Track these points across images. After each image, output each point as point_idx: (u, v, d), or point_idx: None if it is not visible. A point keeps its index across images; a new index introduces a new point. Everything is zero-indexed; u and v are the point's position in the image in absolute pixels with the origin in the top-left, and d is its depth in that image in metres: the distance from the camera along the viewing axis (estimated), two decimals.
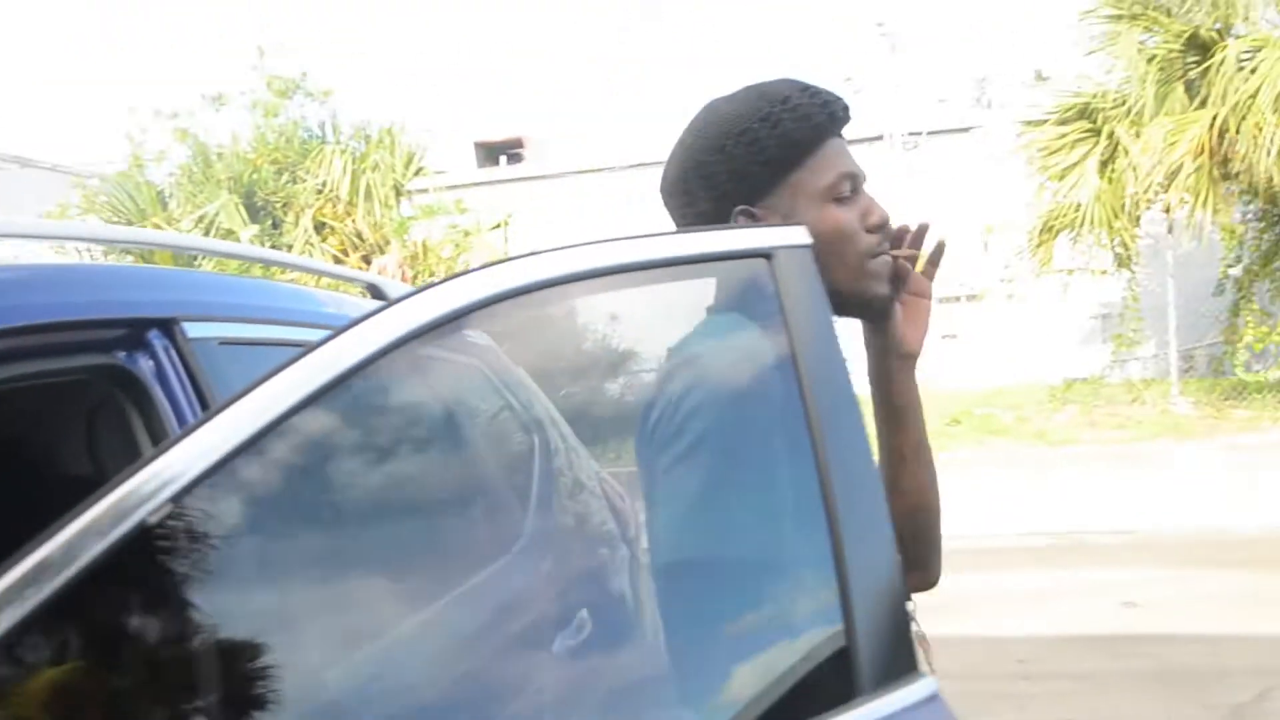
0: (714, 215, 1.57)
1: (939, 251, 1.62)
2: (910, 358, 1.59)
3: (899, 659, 1.26)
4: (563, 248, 1.22)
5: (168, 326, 1.47)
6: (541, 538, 2.35)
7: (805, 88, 1.56)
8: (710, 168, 1.56)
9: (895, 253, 1.56)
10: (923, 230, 1.58)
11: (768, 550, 1.37)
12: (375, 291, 2.55)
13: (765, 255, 1.32)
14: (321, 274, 2.44)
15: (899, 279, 1.57)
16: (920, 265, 1.60)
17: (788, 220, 1.51)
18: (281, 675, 1.37)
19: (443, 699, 1.59)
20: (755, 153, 1.54)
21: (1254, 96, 10.16)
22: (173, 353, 1.43)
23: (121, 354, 1.40)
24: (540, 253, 1.20)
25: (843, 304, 1.53)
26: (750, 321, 1.38)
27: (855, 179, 1.54)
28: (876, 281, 1.54)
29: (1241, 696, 5.53)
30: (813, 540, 1.26)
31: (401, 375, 2.04)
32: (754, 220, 1.56)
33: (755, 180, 1.55)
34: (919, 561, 1.62)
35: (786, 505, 1.36)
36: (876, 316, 1.59)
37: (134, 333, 1.42)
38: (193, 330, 1.51)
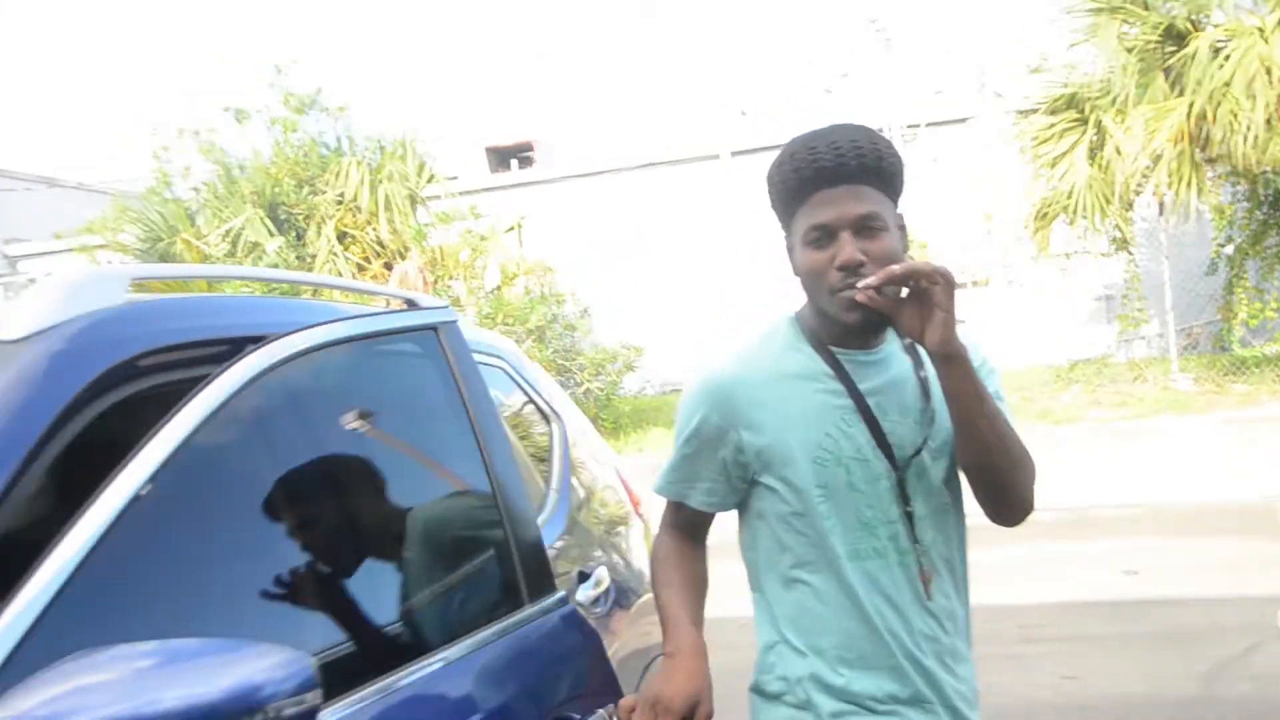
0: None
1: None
2: (937, 356, 1.91)
3: (543, 582, 2.09)
4: (288, 333, 1.83)
5: (259, 341, 1.86)
6: (562, 509, 2.73)
7: (793, 153, 1.96)
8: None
9: (861, 285, 1.88)
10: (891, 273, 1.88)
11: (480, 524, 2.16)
12: (412, 305, 2.94)
13: (433, 329, 2.09)
14: (366, 293, 2.82)
15: (871, 307, 1.90)
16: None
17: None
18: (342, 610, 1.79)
19: None
20: (773, 201, 2.04)
21: (1228, 84, 10.42)
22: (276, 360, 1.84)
23: None
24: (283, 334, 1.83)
25: (829, 324, 2.01)
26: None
27: (826, 228, 1.92)
28: (843, 310, 1.94)
29: (1231, 651, 5.84)
30: (492, 516, 2.07)
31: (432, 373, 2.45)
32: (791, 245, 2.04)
33: (781, 217, 2.04)
34: (993, 505, 2.04)
35: (472, 490, 2.10)
36: (858, 334, 2.02)
37: (235, 348, 1.81)
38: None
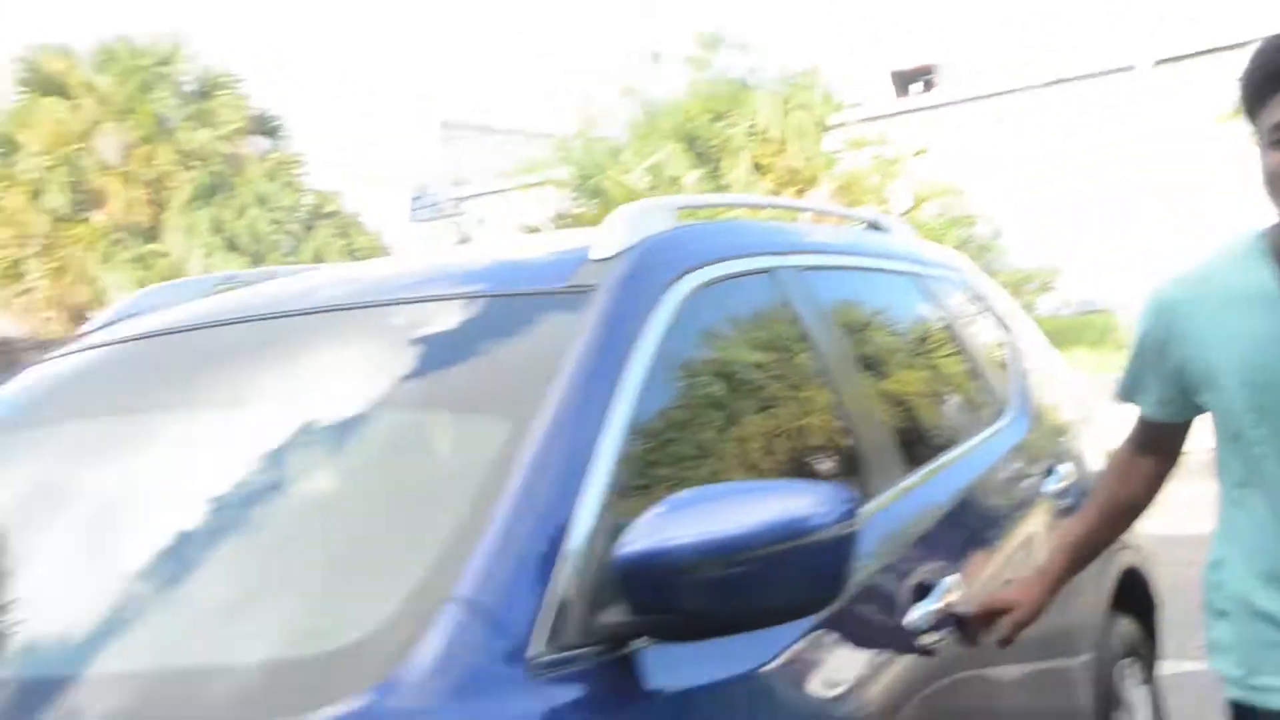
0: None
1: None
2: None
3: (896, 470, 2.22)
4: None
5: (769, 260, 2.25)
6: (1024, 411, 2.93)
7: (1258, 52, 1.84)
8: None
9: None
10: None
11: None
12: (874, 226, 3.22)
13: (767, 272, 2.22)
14: (834, 215, 3.13)
15: None
16: None
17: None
18: None
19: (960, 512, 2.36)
20: (1243, 104, 1.89)
21: None
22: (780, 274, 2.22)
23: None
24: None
25: None
26: None
27: None
28: None
29: None
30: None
31: (900, 287, 2.73)
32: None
33: (1250, 121, 1.88)
34: None
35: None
36: None
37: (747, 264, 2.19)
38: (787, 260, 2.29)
